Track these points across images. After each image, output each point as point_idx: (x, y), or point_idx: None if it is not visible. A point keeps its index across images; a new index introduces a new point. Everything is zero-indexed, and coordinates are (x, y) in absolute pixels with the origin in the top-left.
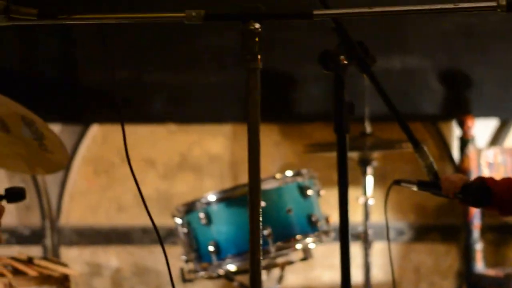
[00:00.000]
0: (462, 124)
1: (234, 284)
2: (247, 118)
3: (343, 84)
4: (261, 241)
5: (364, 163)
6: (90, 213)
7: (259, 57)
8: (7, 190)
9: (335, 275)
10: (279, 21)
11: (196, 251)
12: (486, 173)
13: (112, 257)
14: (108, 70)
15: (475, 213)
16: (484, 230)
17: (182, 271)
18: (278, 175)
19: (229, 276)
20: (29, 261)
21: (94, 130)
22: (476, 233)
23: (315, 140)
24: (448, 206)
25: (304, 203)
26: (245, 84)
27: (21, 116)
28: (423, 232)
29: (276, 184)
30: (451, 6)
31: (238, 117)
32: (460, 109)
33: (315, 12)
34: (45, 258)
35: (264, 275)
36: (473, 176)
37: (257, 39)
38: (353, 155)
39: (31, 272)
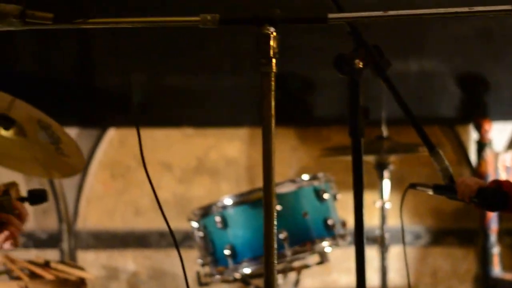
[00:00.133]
0: (479, 128)
1: None
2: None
3: (358, 88)
4: (276, 245)
5: (380, 166)
6: (107, 216)
7: (273, 61)
8: (29, 192)
9: (352, 279)
10: (296, 25)
11: (212, 254)
12: (503, 176)
13: (129, 261)
14: (124, 74)
15: (492, 217)
16: (501, 234)
17: (198, 274)
18: (294, 179)
19: (245, 279)
20: (45, 265)
21: (111, 134)
22: (493, 237)
23: (332, 144)
24: (465, 210)
25: (320, 207)
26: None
27: (37, 120)
28: (440, 236)
29: (293, 188)
30: (466, 10)
31: (255, 121)
32: (477, 112)
33: (330, 16)
34: (62, 261)
35: (280, 279)
36: (490, 180)
37: (271, 43)
38: (369, 158)
39: (48, 275)
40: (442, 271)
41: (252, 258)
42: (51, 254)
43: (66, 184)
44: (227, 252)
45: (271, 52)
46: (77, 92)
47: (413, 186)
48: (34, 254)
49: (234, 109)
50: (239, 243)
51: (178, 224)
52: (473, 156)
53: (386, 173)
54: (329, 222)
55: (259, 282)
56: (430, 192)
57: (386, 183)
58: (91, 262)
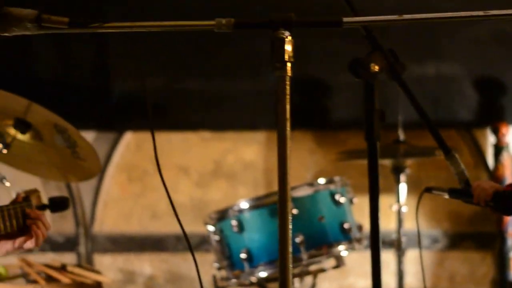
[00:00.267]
0: (496, 131)
1: None
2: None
3: (374, 92)
4: (291, 249)
5: (397, 170)
6: (124, 220)
7: (288, 65)
8: (50, 199)
9: (369, 283)
10: (313, 28)
11: (229, 258)
12: None
13: (145, 265)
14: (141, 78)
15: (510, 221)
16: None
17: (214, 278)
18: (310, 183)
19: (261, 283)
20: (62, 268)
21: (128, 137)
22: (510, 241)
23: (349, 147)
24: (483, 213)
25: (336, 211)
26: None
27: (53, 124)
28: (457, 240)
29: (309, 192)
30: (481, 13)
31: (272, 124)
32: (494, 116)
33: (345, 20)
34: (78, 265)
35: (297, 282)
36: (507, 183)
37: (286, 47)
38: (386, 162)
39: (64, 279)
40: (459, 275)
41: (268, 262)
42: (68, 258)
43: (83, 187)
44: (243, 256)
45: (286, 56)
46: (94, 96)
47: (428, 190)
48: (51, 257)
49: (251, 113)
50: (255, 247)
51: (195, 228)
52: (490, 160)
53: (402, 177)
54: (345, 226)
55: (275, 286)
56: (446, 196)
57: (403, 187)
58: (108, 266)
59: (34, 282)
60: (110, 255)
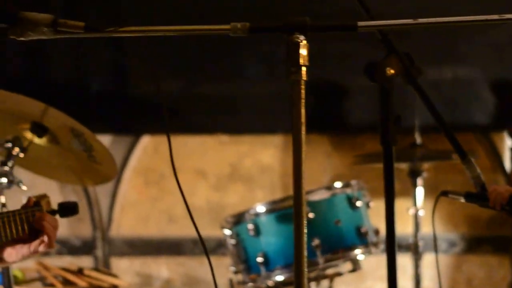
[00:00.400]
0: None
1: None
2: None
3: (389, 96)
4: (307, 253)
5: (414, 174)
6: (141, 224)
7: (303, 69)
8: (60, 204)
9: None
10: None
11: (245, 262)
12: None
13: (162, 268)
14: (157, 81)
15: None
16: None
17: (231, 282)
18: (327, 186)
19: (278, 287)
20: (79, 272)
21: (145, 141)
22: None
23: (366, 151)
24: (501, 217)
25: (353, 215)
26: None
27: (70, 128)
28: (475, 244)
29: (325, 196)
30: (496, 17)
31: (290, 128)
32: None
33: (360, 24)
34: (95, 268)
35: (313, 286)
36: None
37: (301, 51)
38: (403, 166)
39: (81, 282)
40: (477, 279)
41: (284, 265)
42: (85, 261)
43: (100, 191)
44: (259, 259)
45: (301, 60)
46: (111, 99)
47: (444, 193)
48: (68, 261)
49: (268, 116)
50: (271, 250)
51: (212, 231)
52: (507, 163)
53: (419, 181)
54: (362, 230)
55: None
56: (462, 200)
57: (420, 191)
58: (125, 269)
59: (51, 285)
60: (127, 259)
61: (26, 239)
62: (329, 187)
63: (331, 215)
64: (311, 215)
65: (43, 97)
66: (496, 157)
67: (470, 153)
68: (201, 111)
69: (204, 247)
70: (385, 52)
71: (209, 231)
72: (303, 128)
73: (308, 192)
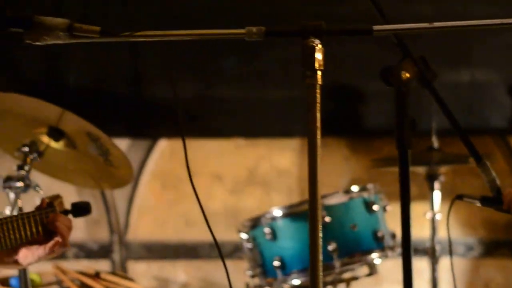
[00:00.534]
0: None
1: None
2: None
3: (405, 100)
4: (322, 257)
5: (431, 178)
6: (158, 227)
7: (319, 73)
8: (73, 205)
9: None
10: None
11: (261, 266)
12: None
13: (180, 272)
14: (173, 84)
15: None
16: None
17: (247, 286)
18: (343, 190)
19: None
20: (96, 276)
21: (162, 144)
22: None
23: (383, 155)
24: None
25: (369, 219)
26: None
27: (87, 132)
28: (492, 248)
29: (342, 199)
30: (510, 21)
31: (307, 132)
32: None
33: (375, 28)
34: (112, 272)
35: None
36: None
37: (317, 55)
38: (420, 170)
39: (98, 286)
40: (494, 283)
41: (301, 269)
42: (102, 265)
43: (117, 195)
44: (276, 263)
45: (317, 65)
46: (128, 103)
47: (460, 197)
48: (85, 264)
49: (285, 120)
50: (288, 254)
51: (229, 235)
52: None
53: (436, 184)
54: (379, 234)
55: None
56: (478, 204)
57: (437, 194)
58: (142, 273)
59: None
60: (144, 263)
61: (41, 241)
62: (346, 191)
63: (347, 219)
64: (327, 219)
65: (60, 102)
66: None
67: (487, 156)
68: (217, 114)
69: (219, 251)
70: (401, 55)
71: (225, 235)
72: (318, 132)
73: (325, 196)
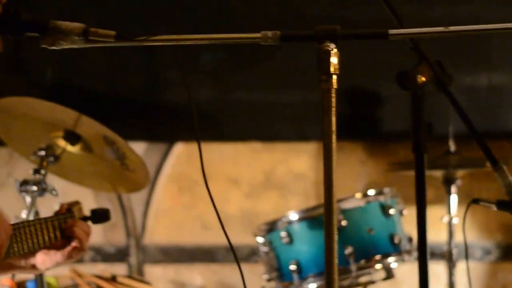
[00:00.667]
0: None
1: None
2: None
3: (421, 104)
4: (338, 261)
5: (448, 181)
6: (175, 231)
7: (334, 77)
8: (92, 211)
9: None
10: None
11: (278, 270)
12: None
13: (196, 275)
14: (187, 88)
15: None
16: None
17: None
18: (359, 194)
19: None
20: (113, 279)
21: (179, 148)
22: None
23: (400, 158)
24: None
25: (386, 223)
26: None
27: (103, 136)
28: (510, 252)
29: (358, 203)
30: None
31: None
32: None
33: (391, 32)
34: (129, 276)
35: None
36: None
37: (332, 60)
38: (437, 173)
39: None
40: None
41: (317, 273)
42: (119, 269)
43: (134, 198)
44: (292, 267)
45: (332, 69)
46: (145, 107)
47: (476, 201)
48: (101, 268)
49: (302, 124)
50: (304, 258)
51: (245, 239)
52: None
53: (453, 188)
54: (395, 238)
55: None
56: (494, 208)
57: (454, 198)
58: (159, 277)
59: None
60: (161, 266)
61: (59, 246)
62: (362, 195)
63: (364, 223)
64: (344, 223)
65: (76, 105)
66: None
67: (503, 160)
68: (234, 118)
69: (235, 255)
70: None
71: (242, 238)
72: (334, 136)
73: (341, 200)
